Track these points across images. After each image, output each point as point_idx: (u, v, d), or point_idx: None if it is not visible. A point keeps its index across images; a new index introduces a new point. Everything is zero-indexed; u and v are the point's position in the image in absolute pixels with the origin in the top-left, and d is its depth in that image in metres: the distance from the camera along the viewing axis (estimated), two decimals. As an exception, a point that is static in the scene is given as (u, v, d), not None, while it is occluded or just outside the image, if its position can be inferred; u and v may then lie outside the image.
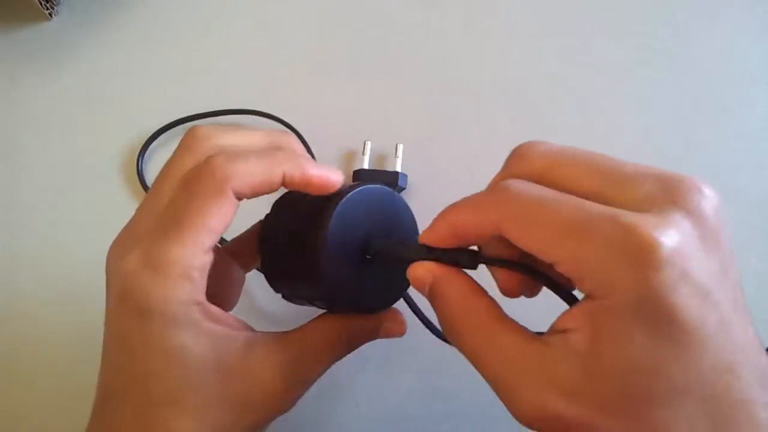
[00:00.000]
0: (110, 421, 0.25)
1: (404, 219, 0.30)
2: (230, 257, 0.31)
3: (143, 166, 0.45)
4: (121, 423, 0.24)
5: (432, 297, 0.24)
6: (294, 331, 0.27)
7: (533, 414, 0.20)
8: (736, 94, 0.47)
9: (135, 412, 0.24)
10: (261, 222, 0.31)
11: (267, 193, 0.26)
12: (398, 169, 0.43)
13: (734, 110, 0.47)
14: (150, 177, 0.45)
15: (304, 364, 0.27)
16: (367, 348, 0.40)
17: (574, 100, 0.47)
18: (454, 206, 0.23)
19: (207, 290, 0.25)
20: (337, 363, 0.39)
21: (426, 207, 0.43)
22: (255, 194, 0.25)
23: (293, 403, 0.27)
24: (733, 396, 0.18)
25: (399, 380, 0.39)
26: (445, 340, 0.39)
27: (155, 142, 0.46)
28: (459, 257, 0.24)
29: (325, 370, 0.28)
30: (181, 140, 0.27)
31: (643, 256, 0.18)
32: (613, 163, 0.22)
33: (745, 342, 0.19)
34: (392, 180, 0.42)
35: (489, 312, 0.23)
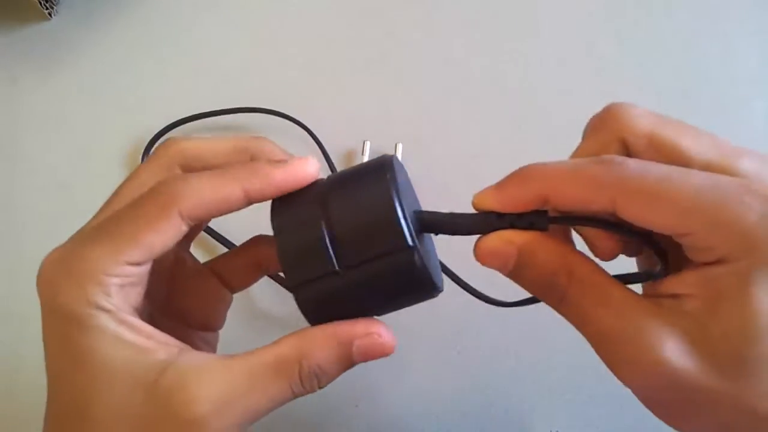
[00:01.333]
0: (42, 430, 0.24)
1: (410, 187, 0.26)
2: (212, 276, 0.29)
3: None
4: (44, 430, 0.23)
5: (521, 269, 0.22)
6: (241, 354, 0.23)
7: (646, 375, 0.20)
8: (736, 94, 0.47)
9: (52, 418, 0.23)
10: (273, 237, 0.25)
11: (230, 211, 0.23)
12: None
13: (734, 110, 0.47)
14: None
15: (240, 394, 0.22)
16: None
17: (574, 99, 0.47)
18: (543, 170, 0.22)
19: (185, 308, 0.24)
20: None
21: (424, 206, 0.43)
22: (210, 215, 0.23)
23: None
24: None
25: (399, 379, 0.39)
26: (490, 301, 0.36)
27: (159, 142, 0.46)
28: (535, 219, 0.22)
29: (273, 407, 0.22)
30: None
31: None
32: (714, 135, 0.23)
33: None
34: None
35: (595, 269, 0.22)
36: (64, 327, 0.22)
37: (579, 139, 0.47)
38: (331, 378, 0.23)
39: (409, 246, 0.21)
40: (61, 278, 0.22)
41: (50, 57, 0.49)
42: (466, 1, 0.51)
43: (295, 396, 0.23)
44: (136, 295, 0.23)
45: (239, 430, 0.22)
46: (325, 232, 0.22)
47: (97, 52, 0.49)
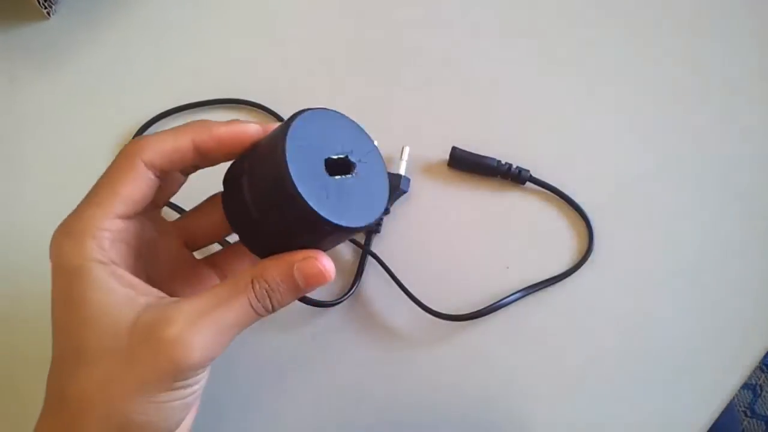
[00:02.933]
0: (48, 379, 0.27)
1: (359, 135, 0.29)
2: (209, 267, 0.33)
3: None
4: (50, 378, 0.26)
5: None
6: (210, 291, 0.27)
7: None
8: (737, 94, 0.47)
9: (53, 363, 0.26)
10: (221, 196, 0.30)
11: (184, 164, 0.28)
12: (401, 172, 0.43)
13: (734, 110, 0.46)
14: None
15: (207, 311, 0.25)
16: (368, 346, 0.40)
17: (575, 99, 0.47)
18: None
19: (185, 292, 0.27)
20: (336, 362, 0.39)
21: (426, 211, 0.43)
22: (170, 164, 0.27)
23: (202, 359, 0.25)
24: None
25: (399, 379, 0.39)
26: (434, 314, 0.38)
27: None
28: None
29: (240, 322, 0.26)
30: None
31: None
32: None
33: None
34: (395, 182, 0.42)
35: None
36: (65, 280, 0.25)
37: (580, 139, 0.47)
38: (282, 299, 0.27)
39: (294, 193, 0.24)
40: (63, 238, 0.26)
41: (49, 56, 0.49)
42: (466, 1, 0.51)
43: (256, 314, 0.26)
44: (126, 251, 0.27)
45: (216, 343, 0.25)
46: (245, 185, 0.27)
47: (97, 52, 0.49)
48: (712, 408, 0.38)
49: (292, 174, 0.24)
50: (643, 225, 0.43)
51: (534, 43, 0.49)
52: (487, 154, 0.43)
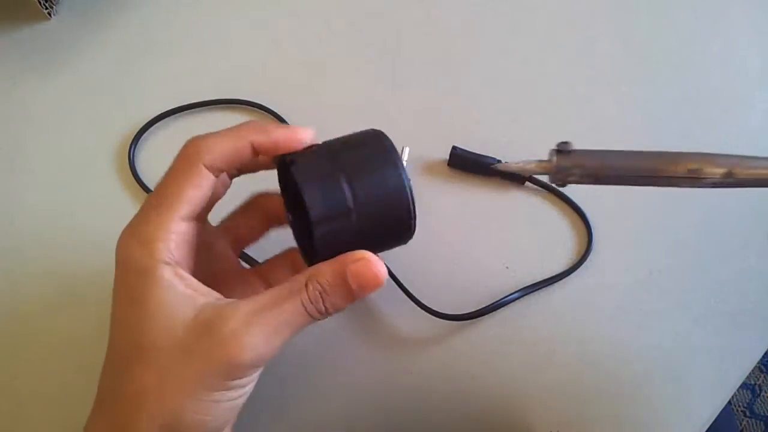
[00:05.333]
0: (101, 377, 0.27)
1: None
2: (253, 274, 0.34)
3: (135, 158, 0.45)
4: (105, 376, 0.27)
5: None
6: (267, 292, 0.27)
7: None
8: (736, 94, 0.47)
9: (110, 360, 0.27)
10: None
11: (241, 166, 0.29)
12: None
13: (734, 110, 0.47)
14: (143, 170, 0.45)
15: (263, 311, 0.26)
16: (368, 345, 0.40)
17: (575, 99, 0.47)
18: None
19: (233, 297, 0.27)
20: (336, 362, 0.39)
21: (426, 211, 0.43)
22: (229, 164, 0.28)
23: (257, 359, 0.26)
24: None
25: (399, 380, 0.39)
26: (432, 312, 0.39)
27: (150, 131, 0.46)
28: None
29: (294, 322, 0.27)
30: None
31: None
32: None
33: None
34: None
35: None
36: (132, 279, 0.26)
37: (579, 139, 0.47)
38: (335, 301, 0.27)
39: (411, 218, 0.28)
40: (132, 242, 0.27)
41: (50, 57, 0.49)
42: (466, 1, 0.51)
43: (310, 316, 0.27)
44: (187, 253, 0.28)
45: (271, 344, 0.26)
46: (343, 180, 0.27)
47: (97, 52, 0.50)
48: (711, 408, 0.38)
49: (410, 192, 0.28)
50: (642, 225, 0.43)
51: (534, 43, 0.49)
52: (487, 154, 0.44)
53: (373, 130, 0.30)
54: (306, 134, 0.29)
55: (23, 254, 0.43)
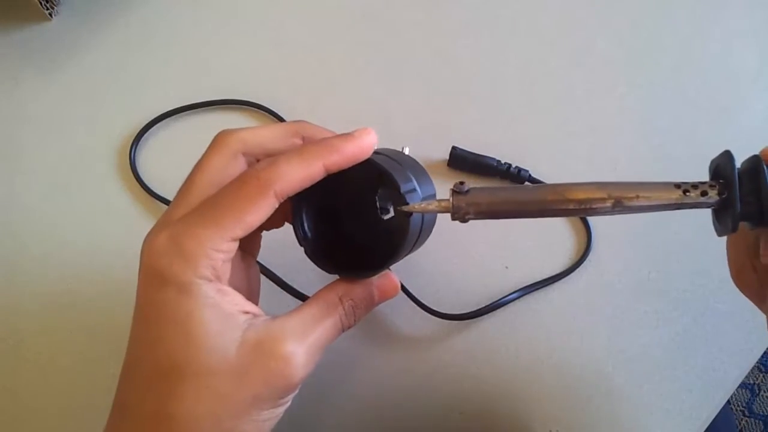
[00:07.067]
0: (125, 392, 0.26)
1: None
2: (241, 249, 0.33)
3: (135, 158, 0.45)
4: (136, 394, 0.26)
5: None
6: (296, 308, 0.28)
7: None
8: (736, 94, 0.47)
9: (145, 380, 0.26)
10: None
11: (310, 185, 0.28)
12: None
13: (734, 110, 0.47)
14: (144, 171, 0.45)
15: (309, 329, 0.27)
16: (368, 345, 0.40)
17: (575, 100, 0.47)
18: None
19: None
20: (336, 362, 0.39)
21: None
22: (298, 190, 0.27)
23: (306, 376, 0.27)
24: None
25: (399, 380, 0.39)
26: (432, 312, 0.40)
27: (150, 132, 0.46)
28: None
29: (333, 336, 0.28)
30: (211, 143, 0.29)
31: None
32: None
33: None
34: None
35: None
36: (169, 295, 0.25)
37: (580, 139, 0.48)
38: (362, 313, 0.29)
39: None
40: (174, 254, 0.25)
41: (50, 57, 0.49)
42: (466, 1, 0.51)
43: (343, 327, 0.28)
44: (229, 268, 0.27)
45: (314, 360, 0.27)
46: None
47: (98, 53, 0.50)
48: (710, 407, 0.38)
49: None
50: (641, 225, 0.43)
51: (534, 43, 0.49)
52: (486, 154, 0.44)
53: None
54: (372, 138, 0.28)
55: (23, 254, 0.43)
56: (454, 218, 0.27)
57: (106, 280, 0.41)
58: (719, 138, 0.46)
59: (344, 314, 0.28)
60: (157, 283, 0.25)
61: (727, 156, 0.25)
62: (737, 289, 0.33)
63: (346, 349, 0.40)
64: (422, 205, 0.27)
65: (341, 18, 0.51)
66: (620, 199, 0.25)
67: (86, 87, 0.48)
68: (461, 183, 0.27)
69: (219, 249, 0.25)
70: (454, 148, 0.44)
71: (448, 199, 0.27)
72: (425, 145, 0.45)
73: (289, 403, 0.27)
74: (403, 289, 0.40)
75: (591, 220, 0.42)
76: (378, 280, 0.30)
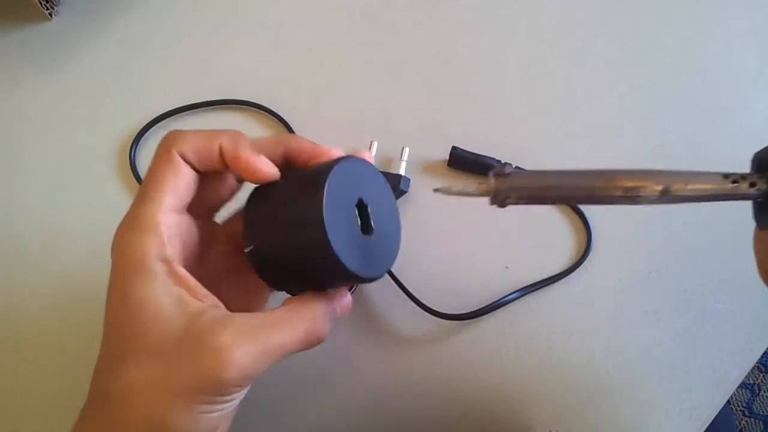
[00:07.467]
0: (94, 373, 0.27)
1: (382, 186, 0.31)
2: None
3: (136, 158, 0.45)
4: (95, 373, 0.27)
5: None
6: (262, 313, 0.27)
7: None
8: (736, 94, 0.47)
9: (103, 361, 0.27)
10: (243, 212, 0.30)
11: (212, 165, 0.28)
12: (401, 172, 0.43)
13: (734, 110, 0.47)
14: (144, 171, 0.45)
15: (257, 330, 0.26)
16: (368, 345, 0.40)
17: (575, 100, 0.47)
18: None
19: (231, 299, 0.27)
20: (336, 362, 0.39)
21: (426, 211, 0.43)
22: (200, 161, 0.28)
23: (243, 377, 0.25)
24: None
25: (399, 379, 0.39)
26: (432, 312, 0.39)
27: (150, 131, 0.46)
28: None
29: (288, 345, 0.27)
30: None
31: None
32: None
33: None
34: (395, 182, 0.42)
35: None
36: (124, 276, 0.26)
37: (580, 139, 0.48)
38: (326, 330, 0.28)
39: (334, 258, 0.26)
40: (126, 233, 0.26)
41: (51, 57, 0.49)
42: (466, 1, 0.51)
43: (307, 340, 0.27)
44: (181, 248, 0.27)
45: (261, 364, 0.26)
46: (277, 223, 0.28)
47: (98, 53, 0.50)
48: (710, 407, 0.39)
49: (331, 240, 0.26)
50: (641, 225, 0.43)
51: (534, 43, 0.49)
52: (486, 154, 0.44)
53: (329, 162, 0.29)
54: (267, 171, 0.28)
55: (24, 254, 0.43)
56: (492, 202, 0.26)
57: (106, 280, 0.41)
58: (719, 138, 0.46)
59: (314, 322, 0.28)
60: (116, 264, 0.26)
61: None
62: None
63: (346, 349, 0.40)
64: (460, 188, 0.26)
65: (341, 18, 0.51)
66: (669, 187, 0.24)
67: (86, 87, 0.48)
68: (504, 164, 0.25)
69: (159, 222, 0.26)
70: (454, 148, 0.44)
71: (488, 183, 0.25)
72: (425, 145, 0.45)
73: (234, 401, 0.27)
74: (403, 289, 0.40)
75: (591, 219, 0.42)
76: (338, 302, 0.30)
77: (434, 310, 0.39)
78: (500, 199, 0.25)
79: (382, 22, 0.50)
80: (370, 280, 0.29)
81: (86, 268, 0.42)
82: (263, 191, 0.29)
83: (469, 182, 0.26)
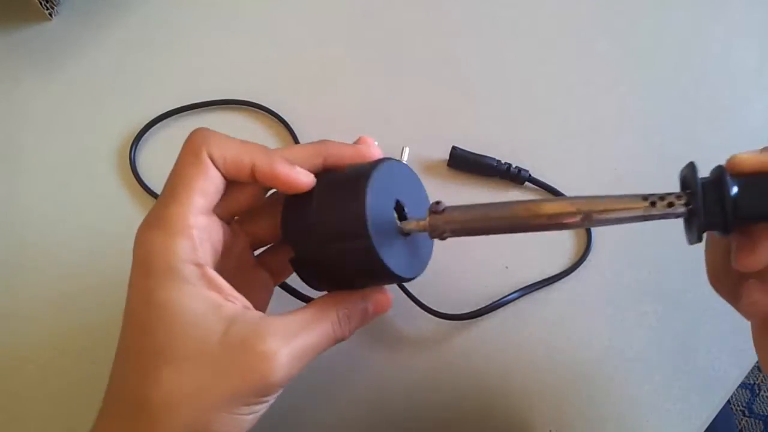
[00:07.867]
0: (114, 378, 0.26)
1: (418, 185, 0.32)
2: (261, 266, 0.33)
3: (136, 158, 0.45)
4: (122, 379, 0.26)
5: None
6: (292, 311, 0.28)
7: None
8: (736, 93, 0.47)
9: (130, 364, 0.26)
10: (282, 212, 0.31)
11: (240, 178, 0.28)
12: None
13: (734, 110, 0.47)
14: (144, 171, 0.45)
15: (297, 332, 0.26)
16: (368, 345, 0.40)
17: (574, 99, 0.47)
18: None
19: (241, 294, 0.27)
20: (336, 362, 0.39)
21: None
22: (228, 170, 0.27)
23: (286, 378, 0.26)
24: None
25: (400, 379, 0.39)
26: (432, 312, 0.39)
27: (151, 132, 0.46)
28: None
29: (322, 344, 0.28)
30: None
31: None
32: None
33: None
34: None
35: None
36: (153, 278, 0.25)
37: (580, 139, 0.48)
38: (357, 325, 0.30)
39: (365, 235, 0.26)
40: (152, 235, 0.26)
41: (51, 57, 0.49)
42: (466, 1, 0.51)
43: (335, 336, 0.28)
44: (210, 250, 0.27)
45: (299, 364, 0.26)
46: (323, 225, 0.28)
47: (98, 53, 0.50)
48: (710, 407, 0.39)
49: (375, 245, 0.26)
50: (641, 225, 0.43)
51: (534, 44, 0.49)
52: (486, 154, 0.44)
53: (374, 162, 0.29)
54: (306, 182, 0.28)
55: (24, 254, 0.43)
56: (432, 237, 0.28)
57: (106, 280, 0.41)
58: (719, 138, 0.46)
59: (337, 323, 0.28)
60: (143, 269, 0.26)
61: (691, 167, 0.26)
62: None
63: (346, 349, 0.40)
64: (405, 224, 0.28)
65: (341, 18, 0.51)
66: (589, 213, 0.25)
67: (86, 87, 0.48)
68: (437, 203, 0.27)
69: (191, 224, 0.26)
70: (454, 148, 0.44)
71: (426, 219, 0.27)
72: (425, 145, 0.45)
73: (271, 401, 0.27)
74: (403, 289, 0.40)
75: (591, 220, 0.42)
76: (374, 295, 0.30)
77: (434, 310, 0.39)
78: (438, 234, 0.27)
79: (382, 22, 0.50)
80: (409, 279, 0.30)
81: (86, 268, 0.42)
82: (300, 195, 0.29)
83: (411, 220, 0.28)
